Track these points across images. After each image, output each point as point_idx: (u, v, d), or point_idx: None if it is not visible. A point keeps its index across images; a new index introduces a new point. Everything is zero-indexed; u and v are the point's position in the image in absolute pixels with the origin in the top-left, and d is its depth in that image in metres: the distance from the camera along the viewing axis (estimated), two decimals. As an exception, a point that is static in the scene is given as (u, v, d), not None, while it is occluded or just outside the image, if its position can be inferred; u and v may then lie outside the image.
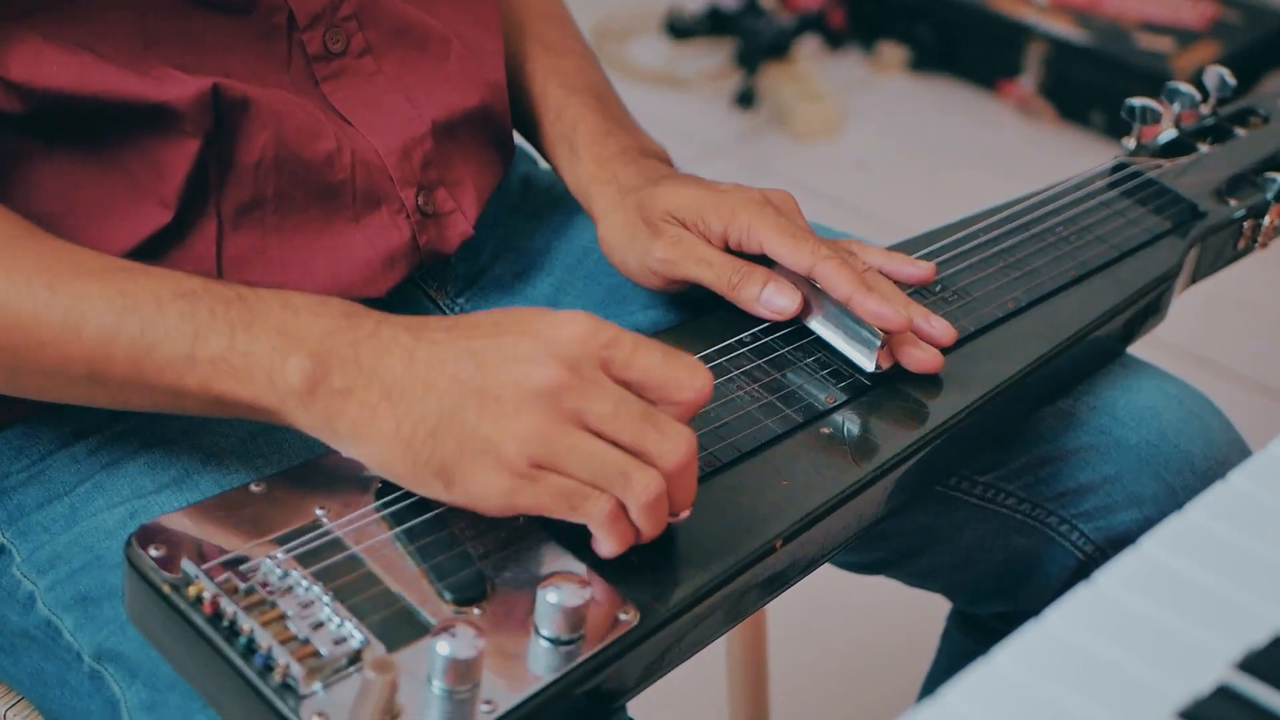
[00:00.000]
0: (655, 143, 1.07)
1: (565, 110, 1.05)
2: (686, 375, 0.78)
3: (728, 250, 0.96)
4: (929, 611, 1.30)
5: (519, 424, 0.75)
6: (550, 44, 1.10)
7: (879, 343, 0.91)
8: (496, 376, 0.75)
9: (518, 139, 1.10)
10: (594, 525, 0.76)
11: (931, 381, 0.93)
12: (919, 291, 0.98)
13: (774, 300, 0.94)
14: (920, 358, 0.93)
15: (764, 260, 0.96)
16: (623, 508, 0.76)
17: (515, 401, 0.75)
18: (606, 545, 0.77)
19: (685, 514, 0.79)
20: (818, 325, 0.94)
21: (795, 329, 0.95)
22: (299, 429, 0.79)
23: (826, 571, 0.96)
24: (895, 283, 0.95)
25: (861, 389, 0.92)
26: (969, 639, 1.19)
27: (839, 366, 0.93)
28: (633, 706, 0.83)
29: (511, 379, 0.75)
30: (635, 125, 1.08)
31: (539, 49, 1.09)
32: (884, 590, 1.22)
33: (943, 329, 0.94)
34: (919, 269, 0.97)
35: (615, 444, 0.76)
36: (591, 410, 0.75)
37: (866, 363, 0.92)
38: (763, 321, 0.95)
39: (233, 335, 0.78)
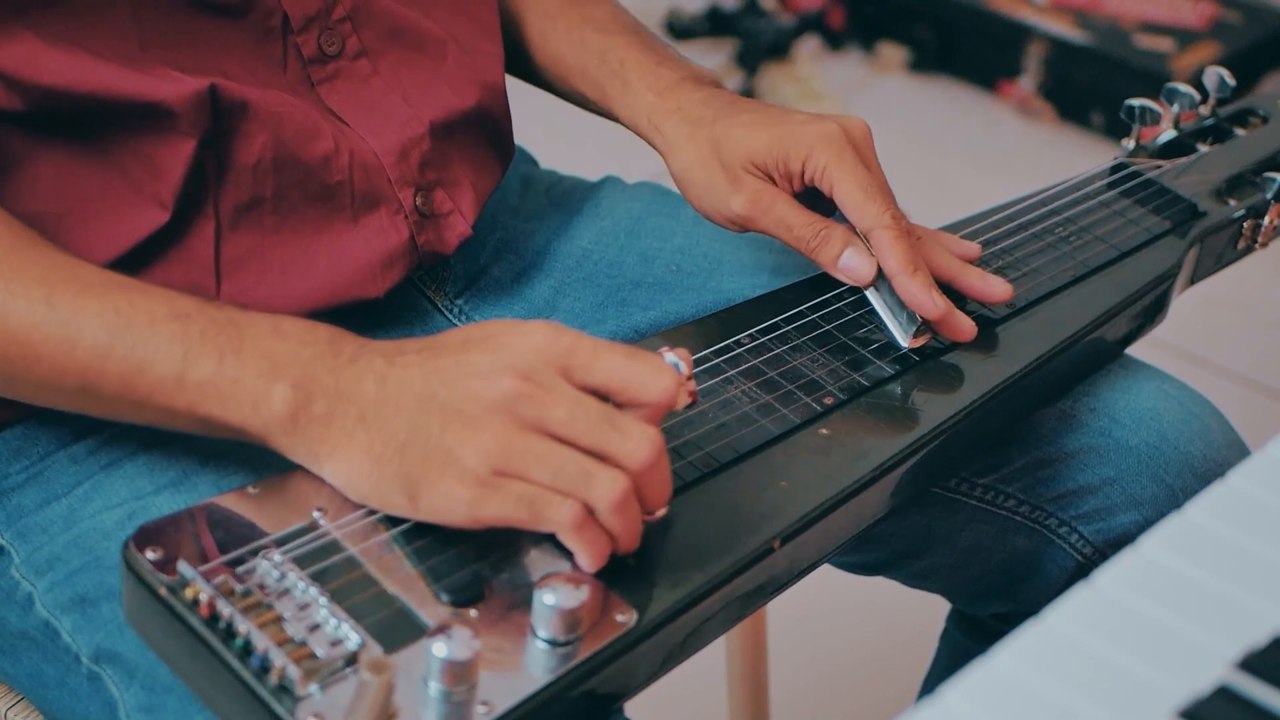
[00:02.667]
0: (705, 69, 1.07)
1: (609, 51, 1.06)
2: (651, 376, 0.77)
3: (806, 189, 0.98)
4: (929, 611, 1.30)
5: (479, 434, 0.75)
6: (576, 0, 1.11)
7: (915, 327, 0.94)
8: (458, 391, 0.76)
9: (516, 140, 1.10)
10: (562, 533, 0.76)
11: (929, 382, 0.93)
12: None
13: (852, 265, 0.96)
14: (958, 327, 0.95)
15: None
16: (592, 513, 0.76)
17: (474, 414, 0.76)
18: (583, 557, 0.76)
19: (661, 512, 0.79)
20: (869, 292, 0.97)
21: (797, 329, 0.95)
22: (284, 455, 0.80)
23: (826, 572, 0.96)
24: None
25: (860, 390, 0.92)
26: (968, 639, 1.19)
27: (837, 367, 0.93)
28: (632, 707, 0.83)
29: (471, 393, 0.76)
30: (683, 56, 1.08)
31: (566, 5, 1.10)
32: (884, 590, 1.22)
33: (1000, 286, 0.97)
34: (966, 247, 1.00)
35: (578, 449, 0.76)
36: (550, 416, 0.76)
37: (901, 341, 0.94)
38: (760, 322, 0.95)
39: (221, 360, 0.79)
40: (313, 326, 0.81)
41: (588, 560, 0.76)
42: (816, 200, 0.98)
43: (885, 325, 0.95)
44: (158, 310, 0.80)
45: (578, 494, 0.75)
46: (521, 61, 1.12)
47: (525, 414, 0.76)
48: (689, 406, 0.82)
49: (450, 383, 0.76)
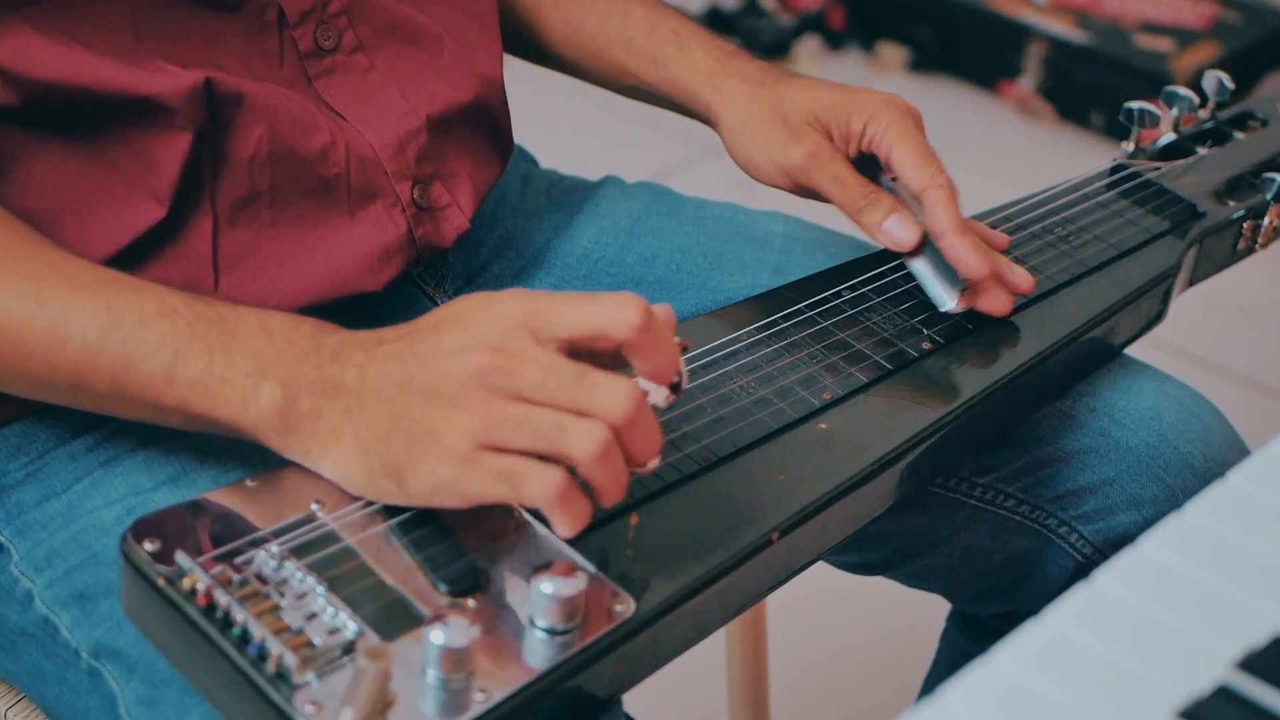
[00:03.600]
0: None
1: (660, 22, 1.09)
2: (614, 310, 0.77)
3: (860, 155, 1.00)
4: (929, 612, 1.30)
5: (458, 413, 0.75)
6: None
7: (961, 287, 0.96)
8: (434, 372, 0.76)
9: (516, 140, 1.10)
10: (544, 505, 0.76)
11: (928, 378, 0.93)
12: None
13: (895, 230, 0.98)
14: (995, 302, 0.97)
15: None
16: (574, 479, 0.76)
17: (451, 393, 0.76)
18: (560, 522, 0.76)
19: (654, 463, 0.78)
20: (913, 258, 0.99)
21: (795, 325, 0.95)
22: (279, 454, 0.80)
23: (827, 571, 0.96)
24: None
25: (859, 385, 0.92)
26: (968, 639, 1.19)
27: (835, 363, 0.93)
28: (632, 706, 0.83)
29: (445, 372, 0.76)
30: None
31: None
32: (884, 590, 1.22)
33: (1023, 276, 0.98)
34: (996, 237, 1.02)
35: (556, 410, 0.76)
36: (523, 384, 0.75)
37: (947, 302, 0.97)
38: (760, 320, 0.95)
39: (210, 359, 0.79)
40: (298, 322, 0.81)
41: (563, 528, 0.76)
42: (865, 171, 1.01)
43: (929, 289, 0.98)
44: (147, 307, 0.80)
45: (556, 449, 0.75)
46: (532, 42, 1.13)
47: (499, 384, 0.75)
48: (674, 387, 0.81)
49: (426, 366, 0.77)
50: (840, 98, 1.01)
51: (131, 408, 0.82)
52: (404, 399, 0.76)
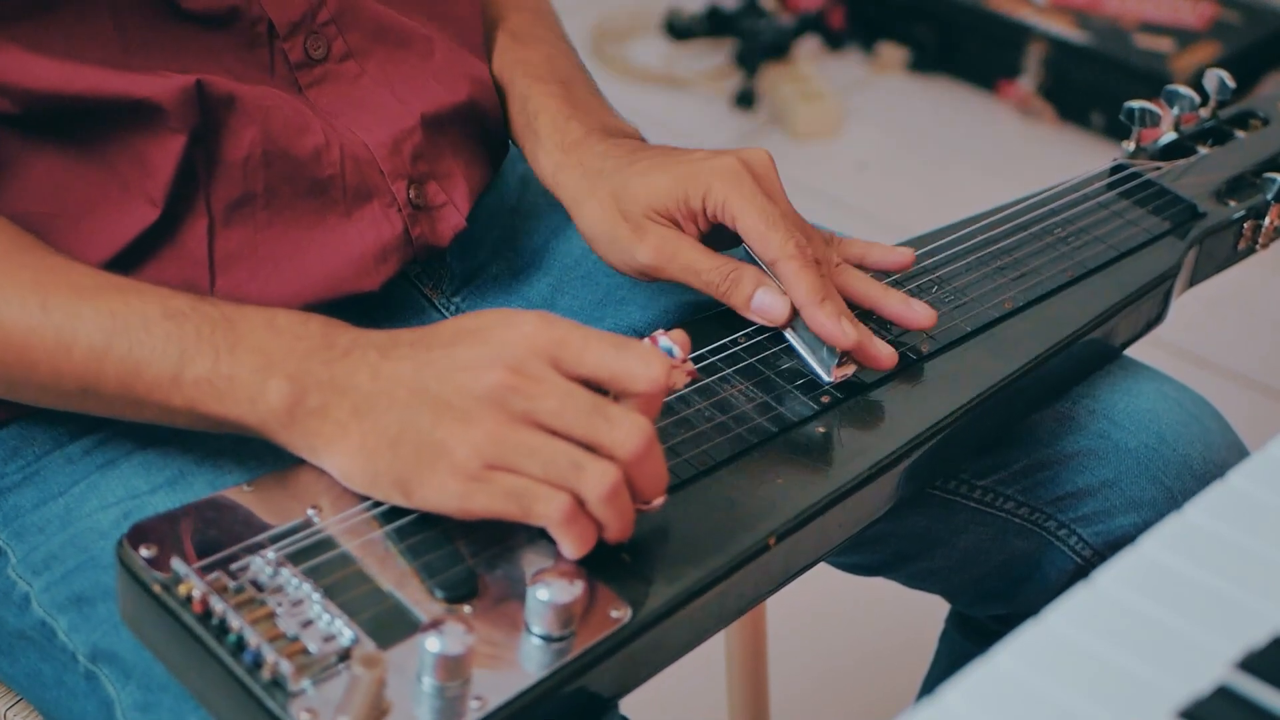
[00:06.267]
0: (624, 121, 1.05)
1: (529, 100, 1.04)
2: (640, 365, 0.77)
3: (712, 228, 0.95)
4: (928, 612, 1.30)
5: (470, 428, 0.75)
6: (519, 35, 1.09)
7: (834, 360, 0.91)
8: (448, 384, 0.77)
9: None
10: (551, 526, 0.76)
11: (927, 381, 0.93)
12: (916, 290, 0.98)
13: (764, 304, 0.93)
14: (876, 356, 0.91)
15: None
16: (582, 506, 0.76)
17: (464, 408, 0.76)
18: (567, 545, 0.76)
19: (659, 502, 0.78)
20: (788, 331, 0.94)
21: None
22: (283, 448, 0.80)
23: (826, 572, 0.96)
24: (876, 272, 0.95)
25: (857, 388, 0.91)
26: (968, 640, 1.19)
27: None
28: (633, 707, 0.83)
29: (460, 386, 0.76)
30: (603, 105, 1.06)
31: (508, 40, 1.09)
32: (884, 591, 1.21)
33: (923, 311, 0.93)
34: (898, 256, 0.97)
35: (568, 440, 0.76)
36: (539, 408, 0.76)
37: (823, 375, 0.91)
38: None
39: (216, 358, 0.80)
40: (305, 319, 0.81)
41: (570, 550, 0.76)
42: (724, 240, 0.96)
43: (807, 363, 0.92)
44: (152, 310, 0.81)
45: (568, 485, 0.75)
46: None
47: (515, 406, 0.76)
48: (691, 384, 0.81)
49: (441, 376, 0.77)
50: (673, 179, 0.94)
51: (140, 410, 0.82)
52: (415, 406, 0.77)
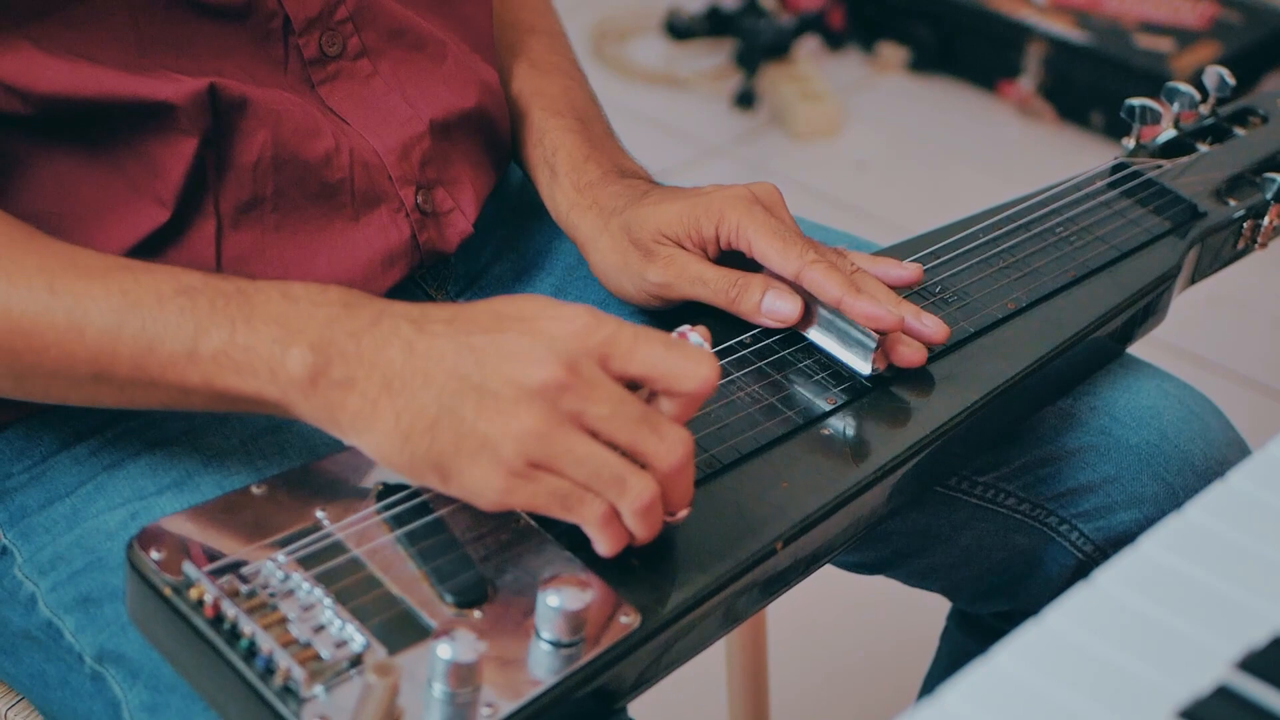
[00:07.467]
0: (636, 163, 1.07)
1: (546, 135, 1.05)
2: (691, 365, 0.77)
3: (723, 255, 0.96)
4: (929, 611, 1.30)
5: (517, 423, 0.75)
6: (537, 63, 1.10)
7: (874, 345, 0.91)
8: (495, 373, 0.75)
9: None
10: (588, 527, 0.76)
11: (931, 383, 0.93)
12: (918, 293, 0.98)
13: (774, 307, 0.94)
14: (908, 354, 0.93)
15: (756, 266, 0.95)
16: (617, 511, 0.76)
17: (513, 400, 0.75)
18: (602, 545, 0.77)
19: (684, 513, 0.79)
20: (813, 333, 0.94)
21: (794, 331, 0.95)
22: (303, 420, 0.79)
23: (826, 572, 0.96)
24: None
25: (862, 390, 0.92)
26: (969, 638, 1.19)
27: (839, 368, 0.93)
28: (633, 707, 0.83)
29: (510, 377, 0.75)
30: (617, 146, 1.07)
31: (526, 68, 1.09)
32: (884, 590, 1.22)
33: (935, 326, 0.93)
34: (907, 271, 0.97)
35: (612, 444, 0.76)
36: (590, 412, 0.75)
37: (863, 366, 0.92)
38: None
39: (233, 330, 0.78)
40: (323, 288, 0.79)
41: (604, 548, 0.77)
42: (732, 264, 0.97)
43: (840, 360, 0.93)
44: (164, 287, 0.79)
45: (610, 496, 0.76)
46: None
47: (566, 406, 0.75)
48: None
49: (486, 364, 0.75)
50: (684, 207, 0.96)
51: (154, 392, 0.80)
52: (456, 392, 0.75)
